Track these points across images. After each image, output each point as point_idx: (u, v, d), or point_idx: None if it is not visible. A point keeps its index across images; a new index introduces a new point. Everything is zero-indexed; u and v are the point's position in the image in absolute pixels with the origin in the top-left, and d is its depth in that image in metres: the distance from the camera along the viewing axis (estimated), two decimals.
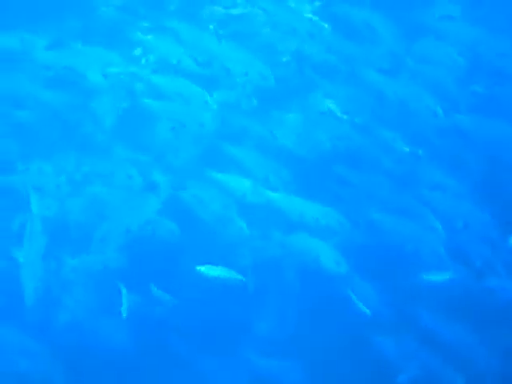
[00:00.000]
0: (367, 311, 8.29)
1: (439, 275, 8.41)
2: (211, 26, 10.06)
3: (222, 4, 10.15)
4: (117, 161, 9.22)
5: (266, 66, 9.11)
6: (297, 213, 8.54)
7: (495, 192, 8.96)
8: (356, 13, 9.30)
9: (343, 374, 8.67)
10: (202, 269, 8.34)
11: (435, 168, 8.72)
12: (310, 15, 9.64)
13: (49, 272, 8.63)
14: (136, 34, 9.77)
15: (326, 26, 9.42)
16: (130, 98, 9.50)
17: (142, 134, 9.55)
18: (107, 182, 9.10)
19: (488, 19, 9.65)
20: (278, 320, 8.90)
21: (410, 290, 8.50)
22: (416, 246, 8.37)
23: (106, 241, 8.70)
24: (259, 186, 8.72)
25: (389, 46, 9.07)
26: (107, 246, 8.72)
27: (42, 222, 8.42)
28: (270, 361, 8.61)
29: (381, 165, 8.68)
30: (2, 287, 8.80)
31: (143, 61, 9.77)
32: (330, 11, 9.68)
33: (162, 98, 9.29)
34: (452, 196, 8.72)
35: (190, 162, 9.34)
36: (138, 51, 9.84)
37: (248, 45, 9.59)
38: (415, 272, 8.47)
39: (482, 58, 9.30)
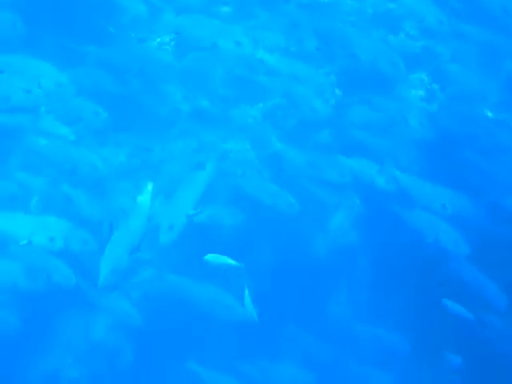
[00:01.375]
0: None
1: None
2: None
3: None
4: (233, 132, 9.29)
5: (396, 55, 9.19)
6: (422, 194, 8.65)
7: None
8: None
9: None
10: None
11: None
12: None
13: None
14: (255, 10, 9.83)
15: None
16: (248, 71, 9.54)
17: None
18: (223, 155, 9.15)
19: None
20: (388, 293, 8.95)
21: None
22: None
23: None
24: (388, 167, 8.80)
25: None
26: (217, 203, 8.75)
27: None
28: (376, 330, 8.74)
29: (510, 152, 8.82)
30: None
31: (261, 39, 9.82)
32: None
33: (278, 77, 9.36)
34: None
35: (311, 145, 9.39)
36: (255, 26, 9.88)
37: None
38: None
39: None
